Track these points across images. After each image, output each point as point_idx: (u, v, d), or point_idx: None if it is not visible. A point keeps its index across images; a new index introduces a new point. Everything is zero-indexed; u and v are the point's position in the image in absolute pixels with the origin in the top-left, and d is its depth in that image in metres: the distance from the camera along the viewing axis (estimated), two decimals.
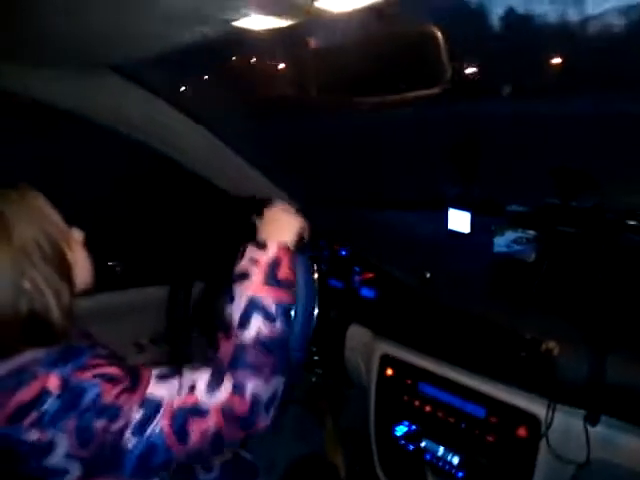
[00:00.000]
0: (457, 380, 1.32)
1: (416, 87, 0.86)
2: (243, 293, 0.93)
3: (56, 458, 0.77)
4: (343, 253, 1.70)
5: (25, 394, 0.77)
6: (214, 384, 0.84)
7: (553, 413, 1.13)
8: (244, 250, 1.01)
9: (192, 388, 0.84)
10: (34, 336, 0.83)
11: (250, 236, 1.36)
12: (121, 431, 0.78)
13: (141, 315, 1.79)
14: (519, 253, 1.29)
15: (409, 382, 1.41)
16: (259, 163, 1.78)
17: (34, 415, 0.76)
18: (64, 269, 0.87)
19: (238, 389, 0.85)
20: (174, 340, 1.58)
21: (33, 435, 0.76)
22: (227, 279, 1.50)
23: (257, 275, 0.95)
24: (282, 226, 1.06)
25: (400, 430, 1.44)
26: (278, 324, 0.92)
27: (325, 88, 1.06)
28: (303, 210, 1.51)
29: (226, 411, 0.83)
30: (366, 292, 1.62)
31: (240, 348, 0.88)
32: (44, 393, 0.77)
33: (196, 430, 0.82)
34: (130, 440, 0.79)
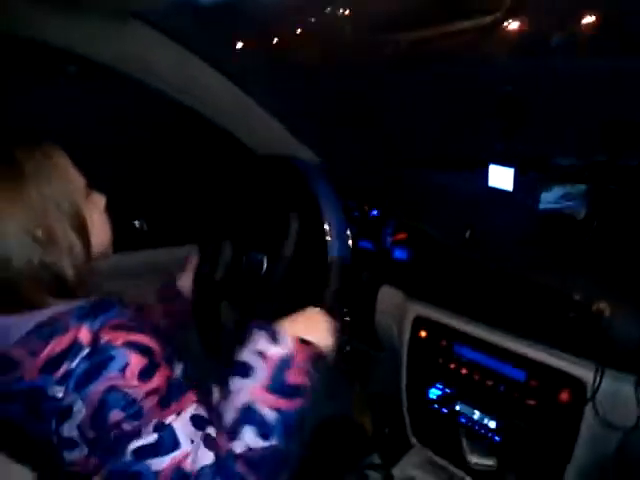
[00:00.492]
0: (496, 342, 1.27)
1: (471, 15, 0.78)
2: (240, 393, 0.83)
3: (71, 427, 0.76)
4: (374, 213, 1.65)
5: (56, 345, 0.76)
6: (205, 475, 0.75)
7: (602, 377, 1.08)
8: (253, 335, 0.89)
9: (195, 459, 0.77)
10: (53, 290, 0.82)
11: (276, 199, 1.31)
12: (127, 438, 0.74)
13: (167, 276, 1.78)
14: (568, 209, 1.22)
15: (444, 344, 1.37)
16: (288, 122, 1.72)
17: (64, 368, 0.75)
18: (80, 228, 0.86)
19: None
20: (201, 308, 1.55)
21: (59, 392, 0.75)
22: (256, 240, 1.47)
23: (261, 374, 0.84)
24: (314, 326, 0.94)
25: (434, 393, 1.40)
26: (273, 441, 0.81)
27: (374, 26, 0.98)
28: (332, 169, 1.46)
29: None
30: (399, 253, 1.56)
31: (227, 458, 0.78)
32: (75, 346, 0.76)
33: None
34: (128, 454, 0.74)
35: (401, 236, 1.56)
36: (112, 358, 0.75)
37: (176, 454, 0.75)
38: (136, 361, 0.77)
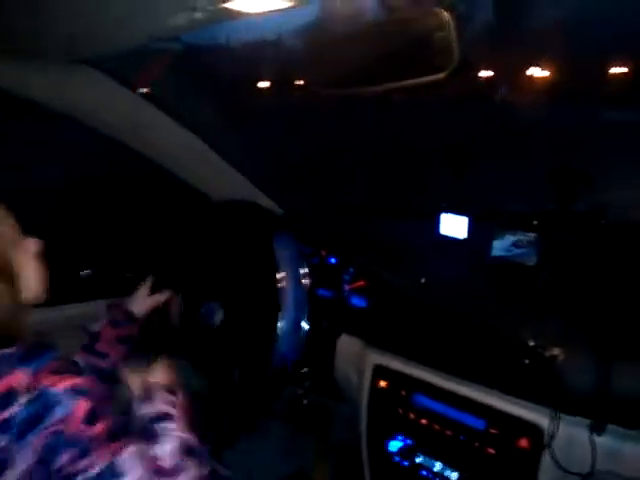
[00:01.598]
0: (455, 390, 1.26)
1: (423, 73, 0.81)
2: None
3: (13, 475, 0.71)
4: (332, 261, 1.65)
5: None
6: None
7: (558, 423, 1.09)
8: None
9: None
10: None
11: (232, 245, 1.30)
12: (76, 474, 0.71)
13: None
14: (519, 256, 1.25)
15: (403, 393, 1.35)
16: (244, 168, 1.73)
17: (2, 417, 0.71)
18: (7, 275, 0.84)
19: None
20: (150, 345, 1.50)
21: (1, 440, 0.71)
22: (206, 290, 1.46)
23: None
24: None
25: (394, 445, 1.37)
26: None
27: (328, 81, 1.01)
28: (289, 216, 1.47)
29: None
30: (357, 301, 1.56)
31: None
32: (12, 392, 0.73)
33: None
34: None
35: (359, 283, 1.56)
36: (54, 405, 0.73)
37: None
38: (79, 407, 0.75)
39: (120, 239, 1.89)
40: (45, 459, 0.71)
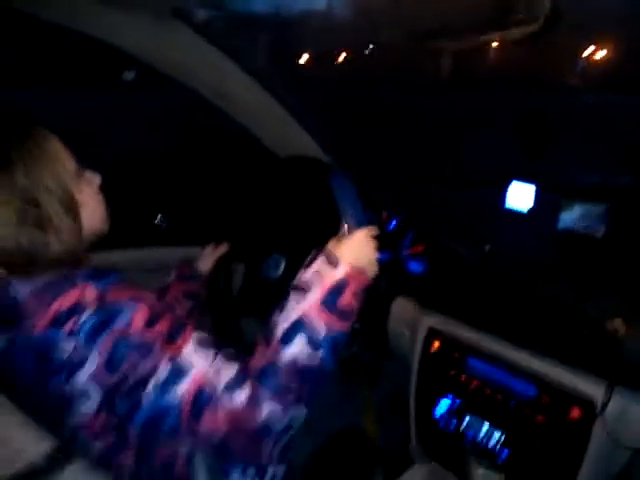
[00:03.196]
0: (508, 356, 1.28)
1: (509, 26, 0.80)
2: (296, 307, 0.88)
3: (84, 377, 0.79)
4: (392, 225, 1.67)
5: (65, 300, 0.81)
6: (233, 385, 0.82)
7: (611, 395, 1.08)
8: (314, 257, 0.95)
9: (217, 374, 0.82)
10: (45, 268, 0.86)
11: (308, 207, 1.32)
12: (145, 377, 0.79)
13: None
14: (587, 229, 1.23)
15: (456, 356, 1.38)
16: (313, 131, 1.76)
17: (72, 322, 0.79)
18: (71, 209, 0.89)
19: (253, 402, 0.81)
20: (216, 305, 1.57)
21: (70, 344, 0.79)
22: (280, 242, 1.50)
23: (317, 293, 0.89)
24: (364, 253, 0.98)
25: (443, 404, 1.41)
26: (320, 353, 0.86)
27: (413, 35, 1.01)
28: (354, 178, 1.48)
29: (235, 418, 0.81)
30: (414, 266, 1.58)
31: (272, 364, 0.84)
32: (82, 302, 0.81)
33: (207, 418, 0.80)
34: (150, 392, 0.79)
35: (418, 248, 1.58)
36: (119, 312, 0.81)
37: (191, 375, 0.80)
38: (141, 313, 0.82)
39: (192, 190, 1.98)
40: (112, 360, 0.79)
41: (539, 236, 1.36)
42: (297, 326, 0.86)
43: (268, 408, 0.81)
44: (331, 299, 0.88)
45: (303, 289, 0.90)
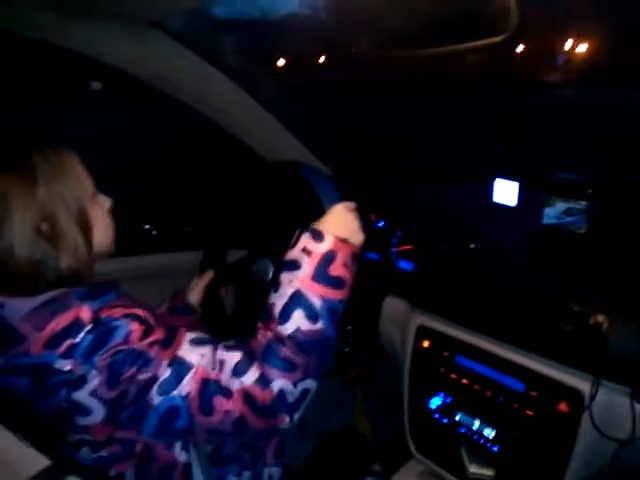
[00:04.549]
0: (496, 353, 1.29)
1: (478, 36, 0.82)
2: (289, 284, 0.90)
3: (84, 393, 0.80)
4: (380, 224, 1.68)
5: (60, 322, 0.81)
6: (241, 369, 0.84)
7: (597, 388, 1.10)
8: (298, 236, 0.96)
9: (221, 364, 0.85)
10: (52, 282, 0.87)
11: (288, 206, 1.32)
12: (147, 385, 0.81)
13: (174, 280, 1.81)
14: (570, 224, 1.25)
15: (446, 354, 1.39)
16: (298, 132, 1.77)
17: (68, 343, 0.80)
18: (85, 226, 0.91)
19: (264, 382, 0.84)
20: (207, 306, 1.58)
21: (67, 365, 0.80)
22: (263, 247, 1.50)
23: (308, 267, 0.90)
24: (345, 224, 0.99)
25: (435, 402, 1.42)
26: (320, 324, 0.88)
27: (381, 43, 1.03)
28: (341, 179, 1.49)
29: (248, 399, 0.83)
30: (404, 264, 1.59)
31: (275, 342, 0.86)
32: (77, 323, 0.81)
33: (220, 408, 0.83)
34: (155, 397, 0.81)
35: (407, 247, 1.59)
36: (115, 329, 0.82)
37: (192, 373, 0.82)
38: (136, 327, 0.83)
39: (180, 196, 1.98)
40: (111, 377, 0.80)
41: (524, 233, 1.37)
42: (292, 302, 0.88)
43: (278, 385, 0.84)
44: (322, 271, 0.90)
45: (294, 266, 0.91)
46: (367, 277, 1.63)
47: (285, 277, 0.92)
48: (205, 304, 1.43)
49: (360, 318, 1.64)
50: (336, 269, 0.91)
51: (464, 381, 1.35)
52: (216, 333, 1.47)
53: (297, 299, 0.88)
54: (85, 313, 0.82)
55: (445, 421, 1.41)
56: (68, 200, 0.89)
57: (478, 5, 0.79)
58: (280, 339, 0.86)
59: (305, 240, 0.94)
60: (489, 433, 1.32)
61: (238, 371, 0.84)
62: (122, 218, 1.06)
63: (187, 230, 1.87)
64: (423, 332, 1.45)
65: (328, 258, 0.91)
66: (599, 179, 1.27)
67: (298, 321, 0.87)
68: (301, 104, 2.00)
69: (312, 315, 0.87)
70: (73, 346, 0.80)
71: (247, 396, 0.83)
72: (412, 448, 1.53)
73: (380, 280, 1.62)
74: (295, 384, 0.85)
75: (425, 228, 1.53)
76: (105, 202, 1.00)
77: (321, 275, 0.90)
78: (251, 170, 1.70)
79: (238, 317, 1.51)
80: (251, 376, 0.84)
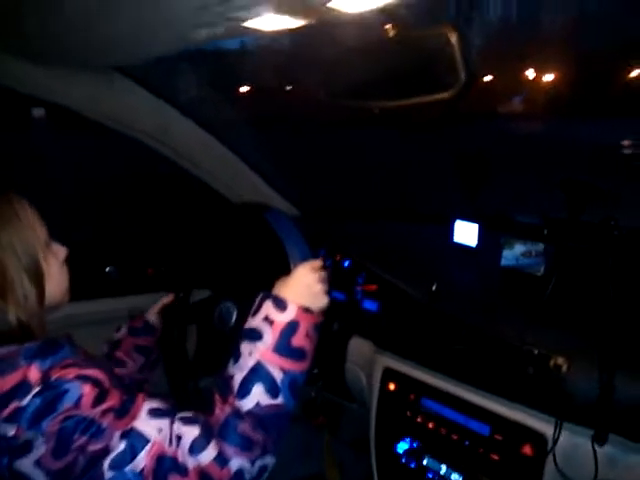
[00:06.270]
0: (461, 396, 1.28)
1: (429, 91, 0.84)
2: (250, 356, 0.87)
3: (28, 462, 0.75)
4: (346, 264, 1.68)
5: (6, 383, 0.76)
6: (198, 446, 0.80)
7: (560, 431, 1.10)
8: (260, 302, 0.93)
9: (178, 440, 0.80)
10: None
11: (253, 250, 1.31)
12: (98, 457, 0.76)
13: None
14: (528, 266, 1.27)
15: (412, 397, 1.38)
16: (262, 171, 1.77)
17: (13, 406, 0.75)
18: (37, 279, 0.88)
19: (221, 461, 0.80)
20: (168, 345, 1.54)
21: (10, 430, 0.75)
22: (227, 289, 1.48)
23: (269, 338, 0.88)
24: (309, 290, 0.97)
25: (401, 447, 1.40)
26: (280, 399, 0.85)
27: (335, 94, 1.05)
28: (306, 219, 1.50)
29: (204, 477, 0.79)
30: (369, 305, 1.59)
31: (233, 418, 0.83)
32: (25, 384, 0.76)
33: None
34: (106, 472, 0.76)
35: (371, 287, 1.59)
36: (65, 392, 0.77)
37: (148, 447, 0.77)
38: (89, 391, 0.78)
39: (142, 238, 1.96)
40: (59, 445, 0.75)
41: (484, 273, 1.39)
42: (252, 376, 0.85)
43: (236, 464, 0.80)
44: (283, 343, 0.87)
45: (255, 336, 0.88)
46: (333, 318, 1.62)
47: (245, 348, 0.89)
48: (165, 344, 1.40)
49: (326, 360, 1.61)
50: (298, 340, 0.89)
51: (430, 425, 1.34)
52: (176, 375, 1.44)
53: (257, 372, 0.85)
54: (33, 374, 0.77)
55: (412, 466, 1.39)
56: (19, 250, 0.86)
57: (428, 61, 0.81)
58: (238, 415, 0.83)
59: (267, 308, 0.91)
60: (457, 478, 1.30)
61: (195, 449, 0.80)
62: (81, 261, 1.04)
63: (150, 271, 1.84)
64: (389, 374, 1.44)
65: (290, 329, 0.89)
66: (556, 220, 1.30)
67: (258, 396, 0.84)
68: (265, 140, 2.01)
69: (272, 389, 0.85)
70: (19, 410, 0.75)
71: (203, 475, 0.79)
72: None
73: (346, 321, 1.61)
74: (253, 462, 0.82)
75: (388, 268, 1.53)
76: (60, 251, 0.97)
77: (283, 347, 0.87)
78: (217, 213, 1.69)
79: (199, 359, 1.48)
80: (208, 455, 0.80)
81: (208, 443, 0.80)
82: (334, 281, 1.68)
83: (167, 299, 1.42)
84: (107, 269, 1.77)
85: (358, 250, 1.66)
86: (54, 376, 0.78)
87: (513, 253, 1.29)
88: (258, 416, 0.83)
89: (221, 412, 0.84)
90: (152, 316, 1.42)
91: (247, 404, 0.83)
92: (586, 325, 1.16)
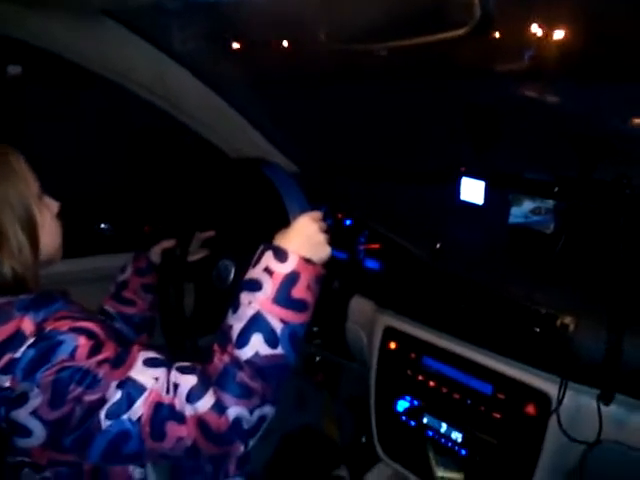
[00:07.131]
0: (463, 355, 1.27)
1: (441, 29, 0.78)
2: (249, 305, 0.85)
3: (24, 413, 0.75)
4: (347, 223, 1.64)
5: (0, 334, 0.76)
6: (196, 394, 0.79)
7: (565, 391, 1.08)
8: (261, 253, 0.90)
9: (175, 388, 0.79)
10: None
11: (252, 206, 1.26)
12: (95, 407, 0.75)
13: None
14: (537, 224, 1.23)
15: (413, 356, 1.36)
16: (260, 126, 1.71)
17: (7, 358, 0.75)
18: (31, 231, 0.88)
19: (219, 409, 0.79)
20: (165, 304, 1.51)
21: (5, 381, 0.74)
22: (226, 247, 1.45)
23: (269, 289, 0.85)
24: (310, 240, 0.93)
25: (401, 405, 1.39)
26: (280, 349, 0.83)
27: (341, 38, 0.98)
28: (306, 176, 1.44)
29: (202, 426, 0.78)
30: (371, 263, 1.56)
31: (232, 367, 0.81)
32: (19, 335, 0.76)
33: (172, 434, 0.78)
34: (103, 421, 0.76)
35: (374, 246, 1.56)
36: (60, 343, 0.76)
37: (145, 396, 0.77)
38: (84, 343, 0.78)
39: (139, 194, 1.91)
40: (55, 396, 0.74)
41: (491, 232, 1.35)
42: (251, 325, 0.83)
43: (234, 412, 0.79)
44: (284, 293, 0.85)
45: (254, 286, 0.86)
46: (333, 277, 1.59)
47: (245, 297, 0.86)
48: (163, 302, 1.38)
49: (326, 319, 1.60)
50: (299, 291, 0.86)
51: (431, 383, 1.33)
52: (173, 333, 1.43)
53: (256, 322, 0.83)
54: (27, 325, 0.76)
55: (412, 424, 1.39)
56: (13, 202, 0.85)
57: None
58: (237, 364, 0.81)
59: (268, 259, 0.88)
60: (457, 436, 1.30)
61: (193, 397, 0.79)
62: (74, 218, 1.01)
63: (147, 229, 1.80)
64: (390, 333, 1.42)
65: (291, 280, 0.86)
66: (566, 177, 1.25)
67: (257, 346, 0.82)
68: (265, 96, 1.93)
69: (272, 340, 0.83)
70: (13, 361, 0.74)
71: (201, 423, 0.78)
72: (379, 451, 1.50)
73: (347, 280, 1.58)
74: (251, 411, 0.81)
75: (391, 227, 1.50)
76: (52, 205, 0.96)
77: (283, 297, 0.85)
78: (214, 167, 1.64)
79: (197, 318, 1.46)
80: (206, 402, 0.78)
81: (206, 391, 0.79)
82: (335, 240, 1.64)
83: (168, 243, 1.39)
84: (101, 225, 1.74)
85: (360, 208, 1.62)
86: (48, 328, 0.77)
87: (522, 210, 1.25)
88: (257, 365, 0.81)
89: (219, 361, 0.82)
90: (155, 256, 1.40)
91: (246, 353, 0.81)
92: (595, 285, 1.13)
